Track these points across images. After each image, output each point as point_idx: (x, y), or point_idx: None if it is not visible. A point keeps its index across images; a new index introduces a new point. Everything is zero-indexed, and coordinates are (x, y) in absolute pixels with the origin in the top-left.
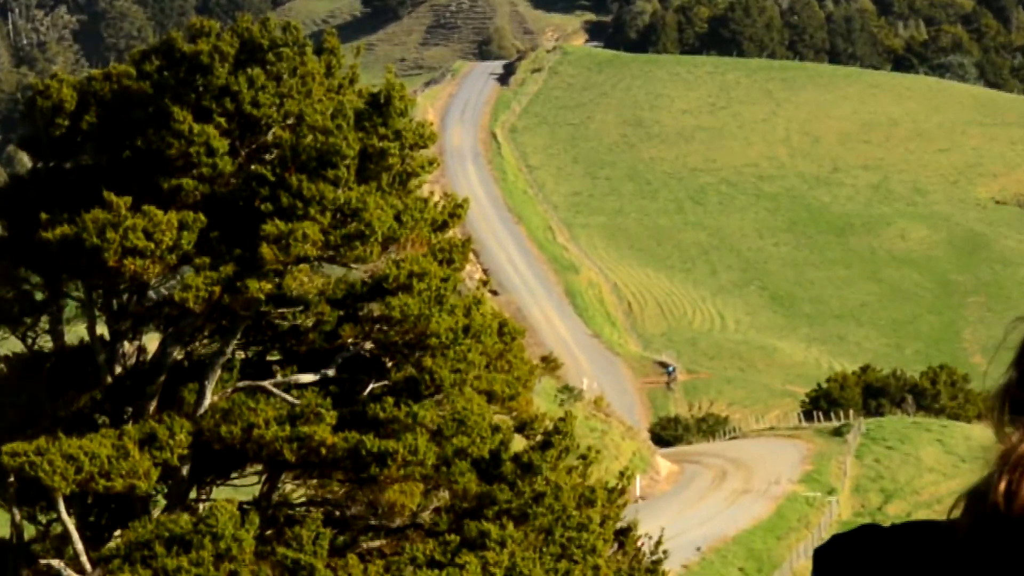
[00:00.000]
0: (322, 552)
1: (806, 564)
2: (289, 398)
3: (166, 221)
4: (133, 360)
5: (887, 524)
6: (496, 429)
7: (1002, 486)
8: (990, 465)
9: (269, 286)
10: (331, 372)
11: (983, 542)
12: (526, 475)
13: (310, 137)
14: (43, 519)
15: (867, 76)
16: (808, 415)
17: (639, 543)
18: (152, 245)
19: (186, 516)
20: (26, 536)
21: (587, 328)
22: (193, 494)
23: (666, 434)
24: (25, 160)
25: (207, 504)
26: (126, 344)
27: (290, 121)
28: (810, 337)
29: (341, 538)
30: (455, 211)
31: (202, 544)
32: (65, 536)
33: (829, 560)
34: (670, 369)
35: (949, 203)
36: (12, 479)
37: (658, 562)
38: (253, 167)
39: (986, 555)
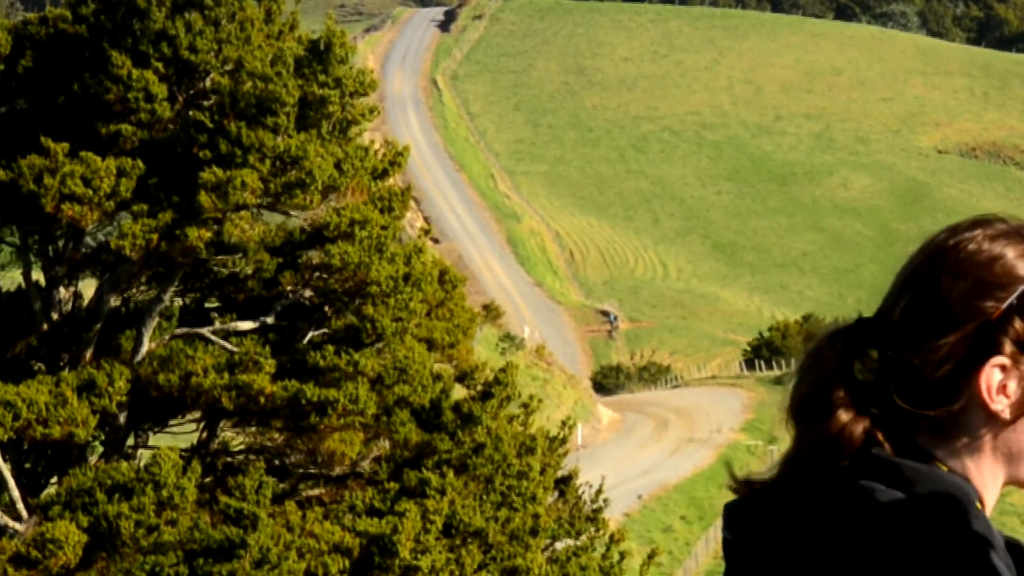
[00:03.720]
0: (264, 501)
1: None
2: (228, 346)
3: (104, 168)
4: (69, 306)
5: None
6: (437, 378)
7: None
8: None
9: (208, 234)
10: (270, 320)
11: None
12: (466, 425)
13: (249, 84)
14: None
15: (809, 25)
16: (750, 364)
17: (580, 491)
18: (90, 192)
19: (126, 464)
20: None
21: (529, 276)
22: (130, 441)
23: (608, 383)
24: None
25: (145, 452)
26: (62, 290)
27: (229, 67)
28: (752, 286)
29: (280, 486)
30: (395, 159)
31: (144, 491)
32: (1, 483)
33: (735, 516)
34: (612, 318)
35: (891, 152)
36: None
37: (599, 510)
38: (191, 113)
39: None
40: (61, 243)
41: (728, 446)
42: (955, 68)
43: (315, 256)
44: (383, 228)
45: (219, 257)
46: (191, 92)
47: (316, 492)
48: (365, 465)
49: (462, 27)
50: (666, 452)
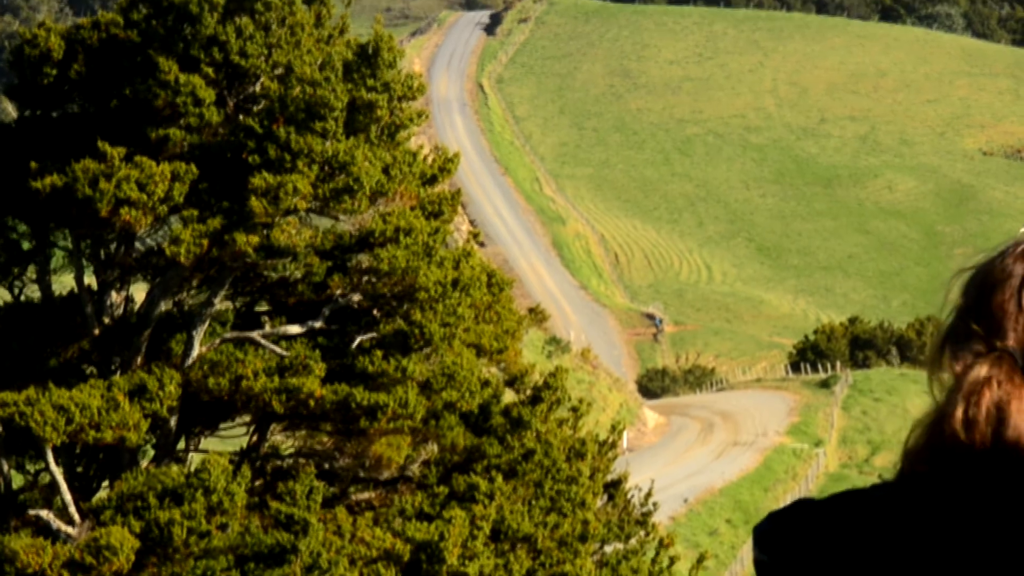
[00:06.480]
0: (315, 506)
1: None
2: (278, 349)
3: (159, 172)
4: (121, 311)
5: (860, 480)
6: (486, 383)
7: (959, 412)
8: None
9: (256, 239)
10: (319, 324)
11: (939, 480)
12: (516, 430)
13: (298, 88)
14: (31, 469)
15: (854, 26)
16: (795, 367)
17: (629, 495)
18: (144, 197)
19: (177, 468)
20: (14, 486)
21: (574, 280)
22: (181, 445)
23: (653, 386)
24: (10, 109)
25: (196, 456)
26: (113, 295)
27: (278, 72)
28: (797, 289)
29: (330, 490)
30: (445, 166)
31: (194, 497)
32: (53, 486)
33: (767, 538)
34: (657, 321)
35: (936, 154)
36: (0, 429)
37: (648, 514)
38: (241, 118)
39: (943, 494)
40: (113, 247)
41: (774, 449)
42: (1000, 70)
43: (364, 260)
44: (431, 234)
45: (269, 261)
46: (241, 97)
47: (365, 496)
48: (414, 469)
49: (507, 30)
50: (711, 455)
